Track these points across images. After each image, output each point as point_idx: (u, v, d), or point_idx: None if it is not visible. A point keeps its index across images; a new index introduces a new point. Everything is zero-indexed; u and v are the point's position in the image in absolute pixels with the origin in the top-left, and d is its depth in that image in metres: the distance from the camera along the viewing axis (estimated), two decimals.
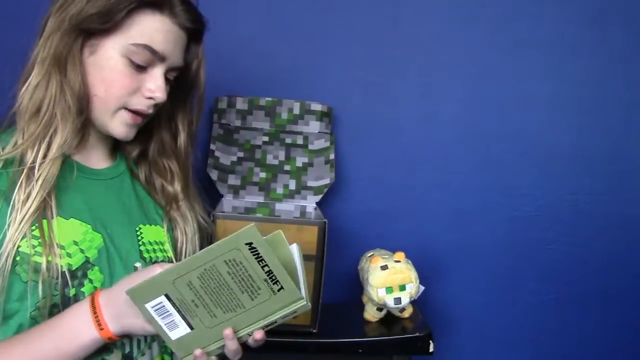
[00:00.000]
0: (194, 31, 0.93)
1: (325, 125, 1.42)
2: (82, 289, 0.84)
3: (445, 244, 1.52)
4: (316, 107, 1.41)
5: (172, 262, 0.96)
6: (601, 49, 1.50)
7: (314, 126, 1.41)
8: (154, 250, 0.95)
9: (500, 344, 1.57)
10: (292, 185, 1.36)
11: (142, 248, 0.93)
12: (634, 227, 1.55)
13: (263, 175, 1.35)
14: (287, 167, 1.37)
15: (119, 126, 0.91)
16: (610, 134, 1.53)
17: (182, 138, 1.01)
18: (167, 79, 0.92)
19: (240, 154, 1.36)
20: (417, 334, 1.26)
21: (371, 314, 1.32)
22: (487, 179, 1.51)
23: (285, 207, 1.32)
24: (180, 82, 0.97)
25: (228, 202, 1.31)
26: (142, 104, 0.90)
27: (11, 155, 0.83)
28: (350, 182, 1.49)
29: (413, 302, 1.30)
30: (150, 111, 0.91)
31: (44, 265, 0.81)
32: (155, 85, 0.89)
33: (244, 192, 1.34)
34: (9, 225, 0.80)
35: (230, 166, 1.35)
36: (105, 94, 0.88)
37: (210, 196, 1.35)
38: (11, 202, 0.81)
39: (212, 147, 1.35)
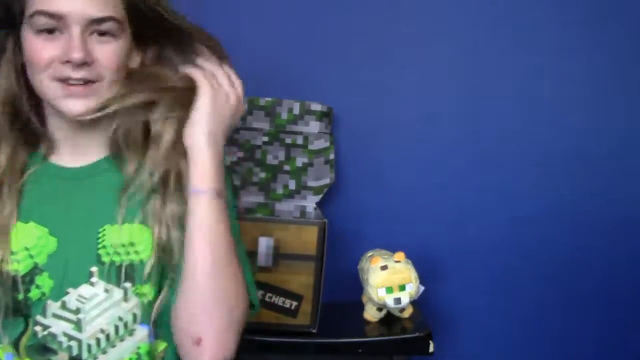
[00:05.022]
0: None
1: (325, 125, 1.42)
2: (29, 295, 0.85)
3: (446, 244, 1.52)
4: (316, 107, 1.41)
5: (146, 269, 0.88)
6: (601, 49, 1.50)
7: (314, 126, 1.41)
8: (118, 254, 0.88)
9: (500, 344, 1.56)
10: (292, 185, 1.36)
11: (100, 251, 0.87)
12: (634, 227, 1.55)
13: (263, 175, 1.35)
14: (287, 167, 1.37)
15: (61, 101, 0.85)
16: (610, 133, 1.53)
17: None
18: (104, 34, 0.85)
19: (240, 154, 1.37)
20: (417, 334, 1.26)
21: (371, 314, 1.32)
22: (487, 179, 1.51)
23: (285, 207, 1.32)
24: (141, 26, 0.89)
25: None
26: (65, 70, 0.84)
27: None
28: (350, 182, 1.49)
29: (413, 302, 1.30)
30: (79, 75, 0.84)
31: None
32: (68, 46, 0.83)
33: (244, 192, 1.34)
34: None
35: (230, 166, 1.35)
36: (33, 75, 0.85)
37: None
38: None
39: None
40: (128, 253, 0.88)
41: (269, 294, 1.21)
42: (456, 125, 1.50)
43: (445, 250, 1.52)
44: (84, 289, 0.86)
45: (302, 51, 1.46)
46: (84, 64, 0.83)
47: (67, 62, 0.83)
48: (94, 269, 0.87)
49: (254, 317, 0.94)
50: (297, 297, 1.21)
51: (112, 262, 0.88)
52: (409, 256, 1.30)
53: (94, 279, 0.87)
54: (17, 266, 0.85)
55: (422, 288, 1.27)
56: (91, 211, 0.89)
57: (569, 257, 1.55)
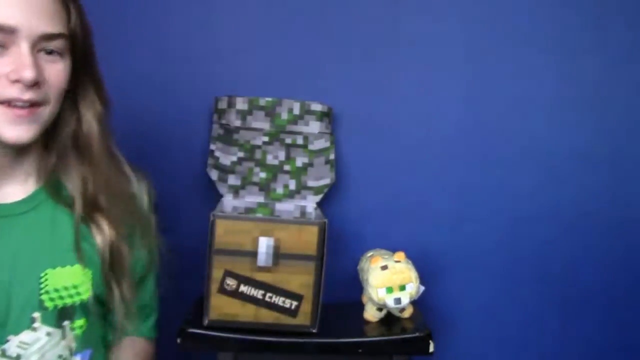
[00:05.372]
0: None
1: (325, 125, 1.42)
2: None
3: (446, 244, 1.52)
4: (316, 107, 1.41)
5: (85, 306, 0.87)
6: (602, 49, 1.50)
7: (314, 126, 1.41)
8: (61, 297, 0.85)
9: (500, 345, 1.56)
10: (292, 185, 1.36)
11: (43, 297, 0.84)
12: (634, 228, 1.55)
13: (263, 175, 1.35)
14: (287, 167, 1.37)
15: (4, 126, 0.78)
16: (611, 134, 1.53)
17: (85, 124, 0.87)
18: (51, 52, 0.80)
19: (240, 154, 1.36)
20: (417, 334, 1.25)
21: (371, 314, 1.32)
22: (487, 179, 1.51)
23: (285, 207, 1.32)
24: (75, 54, 0.84)
25: (228, 202, 1.31)
26: (12, 91, 0.76)
27: None
28: (350, 182, 1.49)
29: (413, 302, 1.30)
30: (27, 97, 0.77)
31: None
32: (17, 64, 0.75)
33: (244, 192, 1.34)
34: None
35: (230, 166, 1.35)
36: None
37: (210, 196, 1.35)
38: None
39: (212, 147, 1.35)
40: (71, 296, 0.86)
41: (269, 294, 1.21)
42: (456, 125, 1.50)
43: (445, 250, 1.52)
44: (26, 335, 0.82)
45: (302, 51, 1.46)
46: (34, 84, 0.77)
47: (16, 81, 0.76)
48: (37, 314, 0.83)
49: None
50: (297, 297, 1.21)
51: (56, 306, 0.85)
52: (409, 256, 1.29)
53: (36, 325, 0.83)
54: None
55: (422, 288, 1.27)
56: (30, 253, 0.85)
57: (569, 257, 1.55)
